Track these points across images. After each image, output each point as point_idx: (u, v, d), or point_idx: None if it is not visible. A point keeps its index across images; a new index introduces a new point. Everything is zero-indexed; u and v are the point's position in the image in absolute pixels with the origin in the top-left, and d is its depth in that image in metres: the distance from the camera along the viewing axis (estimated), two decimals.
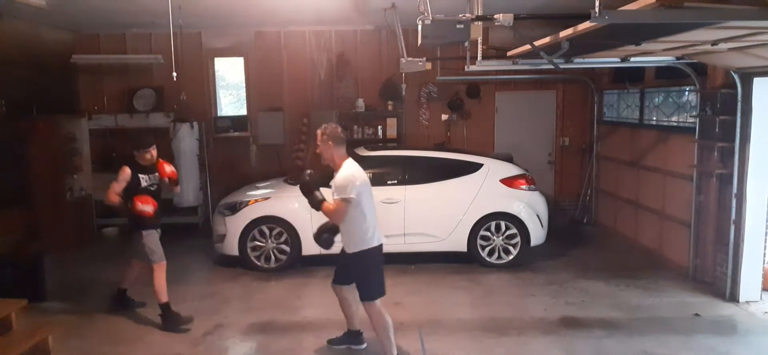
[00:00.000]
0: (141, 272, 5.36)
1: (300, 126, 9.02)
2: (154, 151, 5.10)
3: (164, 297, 5.05)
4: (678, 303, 5.63)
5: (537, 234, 6.76)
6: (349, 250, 4.16)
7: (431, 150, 7.59)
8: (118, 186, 4.95)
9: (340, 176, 3.98)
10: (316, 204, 4.03)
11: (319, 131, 4.14)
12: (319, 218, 4.32)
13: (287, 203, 6.57)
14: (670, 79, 6.83)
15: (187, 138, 8.18)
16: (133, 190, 4.95)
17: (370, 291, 4.19)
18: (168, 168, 5.21)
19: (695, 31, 3.80)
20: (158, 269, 5.05)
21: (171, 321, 5.06)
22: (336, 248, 4.35)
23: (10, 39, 7.33)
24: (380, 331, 4.22)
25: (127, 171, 4.97)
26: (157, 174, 5.15)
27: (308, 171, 4.27)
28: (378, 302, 4.20)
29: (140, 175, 5.02)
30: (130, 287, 5.51)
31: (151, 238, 5.06)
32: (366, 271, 4.19)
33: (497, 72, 7.70)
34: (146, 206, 4.91)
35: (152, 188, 5.11)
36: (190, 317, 5.14)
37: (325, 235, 4.27)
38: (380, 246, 4.23)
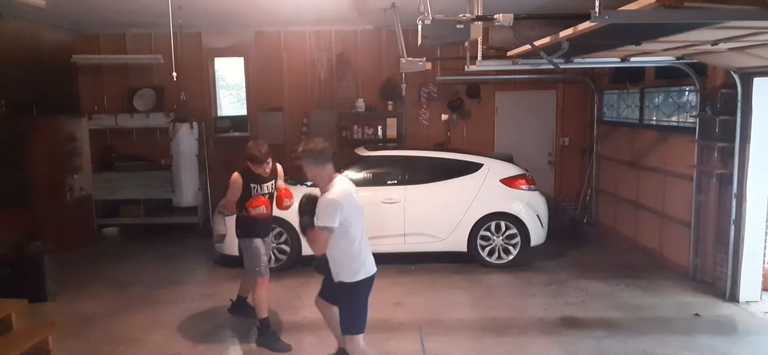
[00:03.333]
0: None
1: (300, 126, 9.03)
2: (268, 167, 4.76)
3: (264, 313, 4.78)
4: (678, 303, 5.63)
5: (537, 234, 6.76)
6: (335, 278, 3.76)
7: (431, 150, 7.60)
8: (232, 195, 4.69)
9: (323, 200, 3.53)
10: (303, 227, 3.66)
11: (299, 150, 3.81)
12: None
13: None
14: (670, 79, 6.83)
15: (186, 138, 8.18)
16: (245, 197, 4.71)
17: (352, 325, 3.71)
18: (281, 183, 4.94)
19: (695, 31, 3.80)
20: (260, 283, 4.81)
21: (268, 340, 4.77)
22: None
23: (10, 39, 7.33)
24: None
25: (238, 179, 4.70)
26: (273, 183, 4.85)
27: (309, 194, 3.79)
28: (361, 339, 3.72)
29: (251, 185, 4.73)
30: (248, 295, 5.19)
31: (257, 248, 4.80)
32: (350, 303, 3.74)
33: (497, 72, 7.70)
34: (259, 208, 4.58)
35: (265, 193, 4.83)
36: (289, 346, 4.74)
37: (306, 217, 3.67)
38: (369, 279, 3.73)
